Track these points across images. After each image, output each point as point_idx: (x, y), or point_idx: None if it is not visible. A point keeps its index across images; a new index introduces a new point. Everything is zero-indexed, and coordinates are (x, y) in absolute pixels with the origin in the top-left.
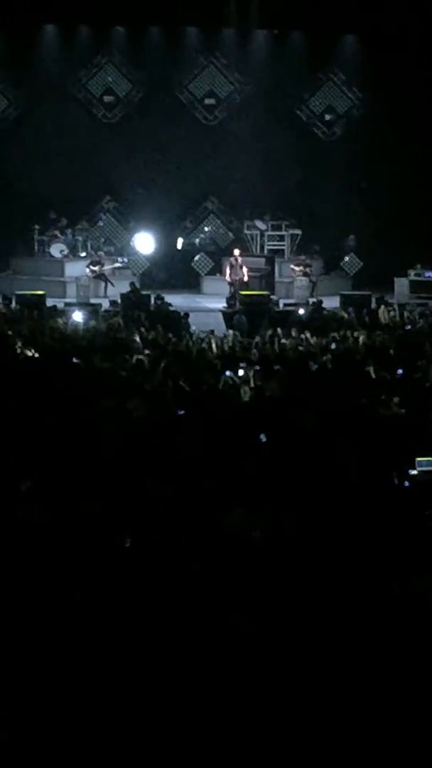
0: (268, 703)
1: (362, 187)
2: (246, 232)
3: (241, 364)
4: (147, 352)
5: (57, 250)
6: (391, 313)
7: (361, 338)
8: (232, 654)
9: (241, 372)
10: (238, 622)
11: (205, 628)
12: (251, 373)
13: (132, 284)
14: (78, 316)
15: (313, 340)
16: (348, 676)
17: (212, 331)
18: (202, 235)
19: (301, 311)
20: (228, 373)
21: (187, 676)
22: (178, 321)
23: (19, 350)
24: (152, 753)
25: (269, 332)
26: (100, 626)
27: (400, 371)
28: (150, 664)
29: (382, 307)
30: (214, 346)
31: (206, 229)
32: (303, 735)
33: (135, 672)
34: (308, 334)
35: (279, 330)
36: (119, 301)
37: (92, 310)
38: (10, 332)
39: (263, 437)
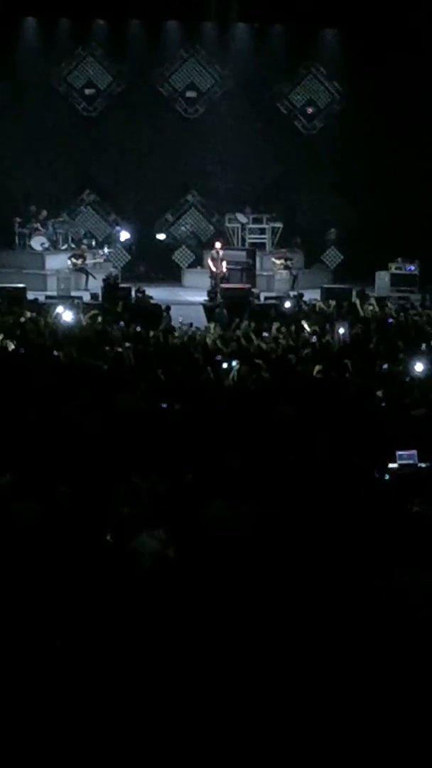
0: (250, 695)
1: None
2: (227, 225)
3: (218, 358)
4: (128, 344)
5: (38, 243)
6: (371, 307)
7: (341, 330)
8: (211, 644)
9: (224, 365)
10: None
11: (188, 620)
12: (233, 366)
13: (107, 278)
14: (68, 316)
15: (293, 334)
16: (330, 669)
17: (191, 324)
18: (182, 228)
19: (287, 304)
20: (227, 363)
21: (170, 670)
22: (159, 314)
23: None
24: (151, 753)
25: (250, 325)
26: (84, 620)
27: (384, 366)
28: (133, 655)
29: (358, 300)
30: (206, 338)
31: (182, 229)
32: (291, 730)
33: (121, 665)
34: (290, 328)
35: (260, 323)
36: (100, 294)
37: (75, 304)
38: None
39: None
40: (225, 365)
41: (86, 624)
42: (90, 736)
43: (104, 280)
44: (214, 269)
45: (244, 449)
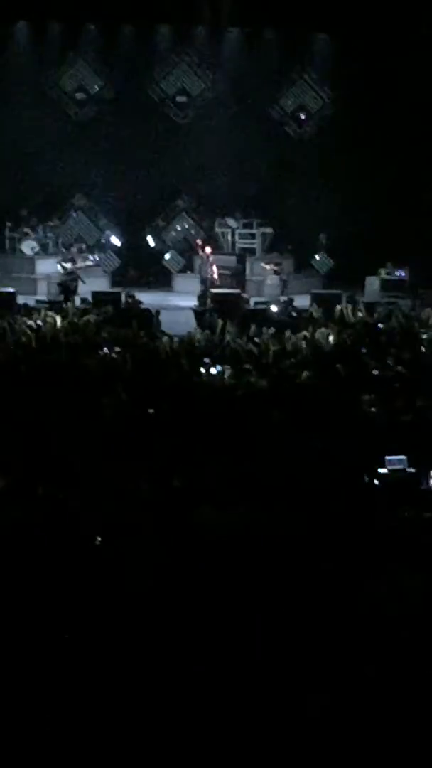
0: (249, 698)
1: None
2: (217, 230)
3: (207, 361)
4: (118, 349)
5: (28, 247)
6: (359, 314)
7: (330, 337)
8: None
9: (212, 370)
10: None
11: (180, 623)
12: (222, 371)
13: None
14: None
15: (283, 339)
16: (322, 670)
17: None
18: (173, 233)
19: (273, 308)
20: (202, 370)
21: (162, 675)
22: (149, 319)
23: None
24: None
25: (240, 330)
26: (75, 625)
27: (375, 372)
28: (124, 660)
29: (348, 306)
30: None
31: (173, 233)
32: (285, 732)
33: (111, 670)
34: (282, 333)
35: (250, 328)
36: (90, 298)
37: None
38: None
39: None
40: (212, 370)
41: (77, 628)
42: (87, 739)
43: (93, 293)
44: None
45: (233, 454)
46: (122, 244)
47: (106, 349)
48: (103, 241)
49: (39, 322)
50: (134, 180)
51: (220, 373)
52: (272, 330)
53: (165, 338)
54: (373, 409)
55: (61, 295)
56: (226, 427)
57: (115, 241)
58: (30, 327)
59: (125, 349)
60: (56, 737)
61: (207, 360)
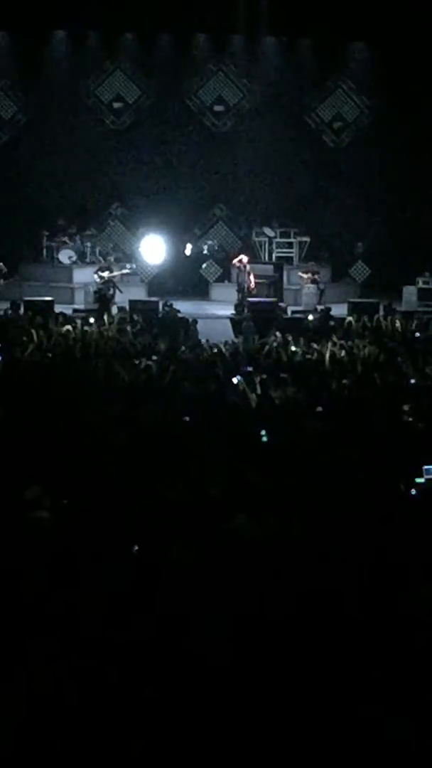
0: (269, 707)
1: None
2: (254, 239)
3: (249, 370)
4: (155, 358)
5: (65, 256)
6: (397, 323)
7: (367, 348)
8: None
9: (234, 380)
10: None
11: (206, 631)
12: (258, 380)
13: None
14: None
15: (320, 348)
16: (352, 683)
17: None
18: (210, 242)
19: (310, 318)
20: (236, 379)
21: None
22: (186, 328)
23: (28, 356)
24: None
25: (277, 339)
26: (106, 631)
27: (412, 381)
28: (154, 669)
29: (386, 315)
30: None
31: (210, 242)
32: (305, 739)
33: (139, 677)
34: (319, 342)
35: (287, 337)
36: (127, 307)
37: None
38: (24, 338)
39: (264, 436)
40: (237, 379)
41: (110, 635)
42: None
43: (131, 302)
44: (241, 278)
45: (269, 463)
46: (160, 253)
47: (143, 358)
48: (139, 251)
49: (76, 331)
50: (171, 189)
51: (242, 383)
52: (309, 339)
53: (202, 347)
54: (411, 419)
55: (98, 304)
56: (262, 437)
57: (152, 250)
58: (67, 335)
59: (162, 358)
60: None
61: (248, 368)
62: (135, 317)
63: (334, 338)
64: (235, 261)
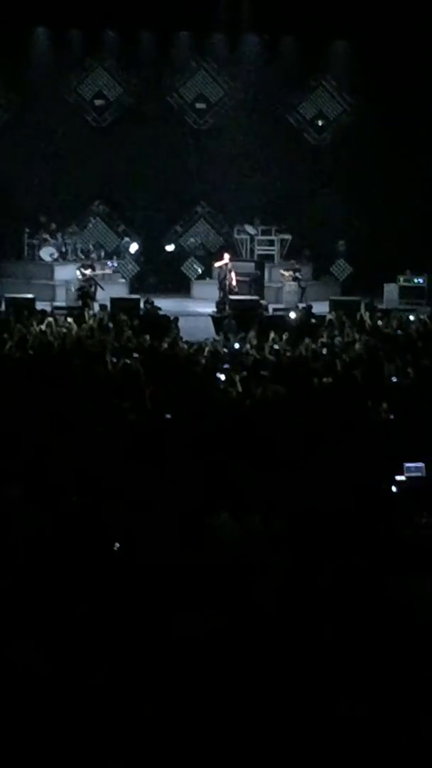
0: (259, 703)
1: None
2: (236, 236)
3: (230, 368)
4: (136, 355)
5: (47, 253)
6: (379, 321)
7: (348, 346)
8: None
9: (229, 377)
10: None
11: (193, 628)
12: (238, 378)
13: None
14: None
15: (301, 346)
16: (334, 677)
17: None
18: (191, 240)
19: (291, 316)
20: (218, 377)
21: (175, 679)
22: (167, 325)
23: (8, 352)
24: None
25: (258, 337)
26: (94, 627)
27: (393, 378)
28: (143, 664)
29: (367, 313)
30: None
31: (191, 240)
32: (299, 736)
33: (123, 673)
34: (300, 340)
35: (269, 335)
36: (109, 305)
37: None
38: (5, 335)
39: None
40: (220, 377)
41: (90, 632)
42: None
43: (112, 299)
44: (221, 275)
45: (252, 460)
46: (140, 250)
47: (124, 356)
48: (122, 247)
49: (58, 328)
50: (153, 187)
51: (223, 381)
52: (291, 336)
53: (184, 345)
54: (392, 417)
55: (80, 302)
56: (244, 434)
57: (134, 247)
58: (49, 333)
59: (144, 356)
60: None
61: (226, 366)
62: (116, 315)
63: (316, 336)
64: (219, 263)
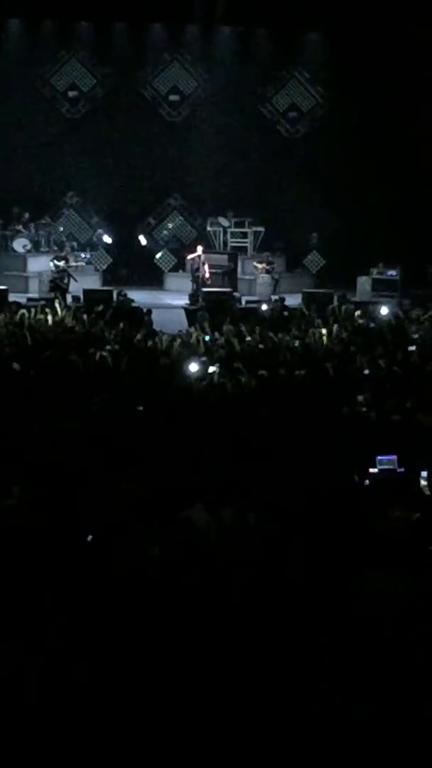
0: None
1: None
2: (209, 228)
3: (203, 360)
4: (109, 347)
5: (20, 245)
6: (356, 313)
7: (324, 337)
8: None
9: (203, 369)
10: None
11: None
12: (212, 370)
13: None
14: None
15: (274, 338)
16: (305, 670)
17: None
18: (165, 232)
19: (264, 308)
20: (191, 369)
21: (154, 674)
22: (140, 317)
23: None
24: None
25: (231, 329)
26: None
27: (365, 371)
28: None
29: (339, 305)
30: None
31: (169, 225)
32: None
33: (101, 667)
34: (273, 332)
35: (241, 327)
36: (82, 296)
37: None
38: None
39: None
40: (192, 367)
41: (67, 625)
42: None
43: (85, 291)
44: (194, 267)
45: (224, 453)
46: (114, 242)
47: (97, 348)
48: (95, 239)
49: (31, 320)
50: (126, 178)
51: (202, 372)
52: (263, 328)
53: (157, 337)
54: (364, 409)
55: (53, 293)
56: (217, 426)
57: (107, 239)
58: (21, 325)
59: (117, 348)
60: (56, 736)
61: (201, 358)
62: (89, 307)
63: (288, 328)
64: (192, 255)
